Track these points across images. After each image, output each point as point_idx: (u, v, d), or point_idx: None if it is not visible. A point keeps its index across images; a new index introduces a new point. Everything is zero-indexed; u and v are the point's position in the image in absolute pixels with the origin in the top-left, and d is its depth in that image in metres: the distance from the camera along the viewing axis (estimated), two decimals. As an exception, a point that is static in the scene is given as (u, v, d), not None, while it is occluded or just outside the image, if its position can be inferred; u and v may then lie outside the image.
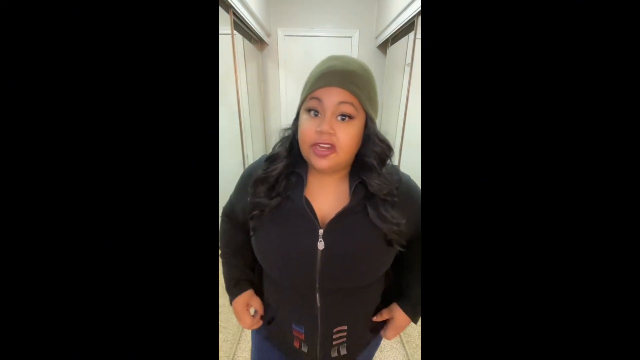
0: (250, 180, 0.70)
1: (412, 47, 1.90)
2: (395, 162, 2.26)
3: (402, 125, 2.08)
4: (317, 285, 0.67)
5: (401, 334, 1.98)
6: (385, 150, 0.65)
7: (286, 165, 0.67)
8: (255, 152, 2.65)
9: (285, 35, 2.94)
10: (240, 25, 2.06)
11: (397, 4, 2.08)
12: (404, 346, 1.90)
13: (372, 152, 0.63)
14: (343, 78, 0.57)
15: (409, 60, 1.97)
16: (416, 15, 1.80)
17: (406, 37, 2.11)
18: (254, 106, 2.66)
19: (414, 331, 1.97)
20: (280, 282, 0.72)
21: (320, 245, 0.64)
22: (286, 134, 0.70)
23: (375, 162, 0.63)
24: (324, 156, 0.58)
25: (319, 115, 0.59)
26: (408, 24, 1.97)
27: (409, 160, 2.23)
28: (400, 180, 0.69)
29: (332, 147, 0.58)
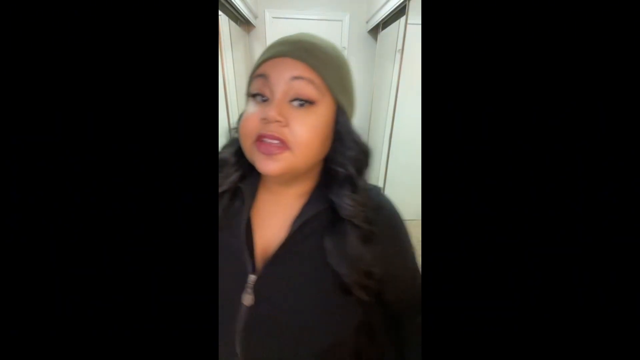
0: None
1: (402, 32, 1.88)
2: (384, 158, 2.25)
3: (391, 115, 2.06)
4: None
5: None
6: (361, 155, 0.46)
7: (237, 178, 0.50)
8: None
9: (273, 18, 2.84)
10: (226, 6, 1.98)
11: (389, -13, 2.04)
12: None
13: (344, 158, 0.45)
14: (298, 47, 0.42)
15: (400, 47, 1.95)
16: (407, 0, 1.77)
17: (397, 22, 2.07)
18: (241, 89, 2.61)
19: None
20: None
21: (247, 300, 0.44)
22: (236, 135, 0.51)
23: (350, 172, 0.45)
24: (271, 155, 0.40)
25: (267, 99, 0.42)
26: (399, 8, 1.93)
27: (397, 156, 2.22)
28: (381, 206, 0.48)
29: (283, 144, 0.40)
